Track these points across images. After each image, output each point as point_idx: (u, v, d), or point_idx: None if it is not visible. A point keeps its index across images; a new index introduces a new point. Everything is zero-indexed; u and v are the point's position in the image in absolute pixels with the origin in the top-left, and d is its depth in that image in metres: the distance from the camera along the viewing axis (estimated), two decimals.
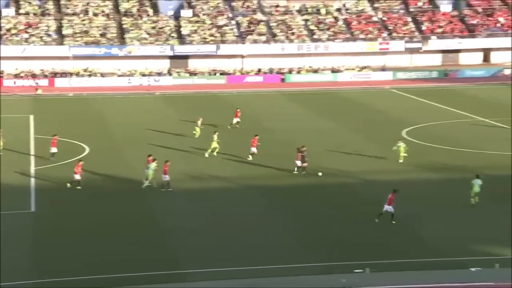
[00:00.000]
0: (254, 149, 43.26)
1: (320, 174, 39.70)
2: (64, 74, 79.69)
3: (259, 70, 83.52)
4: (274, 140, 46.97)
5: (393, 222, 31.33)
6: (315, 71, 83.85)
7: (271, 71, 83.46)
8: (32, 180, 39.18)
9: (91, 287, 25.57)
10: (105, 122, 57.30)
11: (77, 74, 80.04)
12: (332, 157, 43.12)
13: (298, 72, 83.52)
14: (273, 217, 33.16)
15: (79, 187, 37.28)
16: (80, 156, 43.62)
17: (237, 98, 70.04)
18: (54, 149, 43.45)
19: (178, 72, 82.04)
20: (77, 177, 37.44)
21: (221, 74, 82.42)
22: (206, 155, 43.81)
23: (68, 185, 37.40)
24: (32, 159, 43.91)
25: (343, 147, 46.66)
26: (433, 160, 43.26)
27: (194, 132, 49.86)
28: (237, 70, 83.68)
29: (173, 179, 37.49)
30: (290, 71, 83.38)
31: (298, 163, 40.10)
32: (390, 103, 65.96)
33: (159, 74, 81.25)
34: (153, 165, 37.55)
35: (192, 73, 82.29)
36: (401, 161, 42.29)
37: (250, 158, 43.22)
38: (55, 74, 79.42)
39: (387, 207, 31.53)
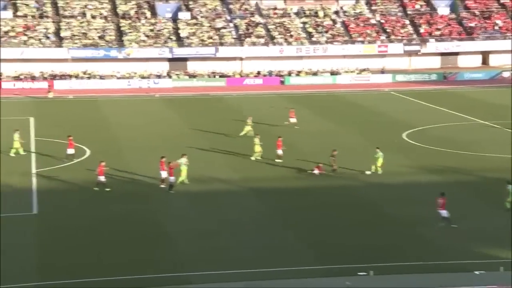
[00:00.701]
0: (280, 151, 43.21)
1: (367, 172, 39.76)
2: (63, 77, 79.64)
3: (259, 73, 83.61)
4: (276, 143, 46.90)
5: (454, 226, 31.24)
6: (314, 74, 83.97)
7: (270, 73, 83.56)
8: (34, 182, 39.11)
9: None
10: (105, 124, 57.26)
11: (77, 77, 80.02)
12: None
13: (298, 75, 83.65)
14: (277, 220, 33.16)
15: (108, 189, 37.03)
16: (82, 158, 43.78)
17: (238, 100, 70.11)
18: (71, 150, 43.57)
19: (177, 74, 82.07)
20: (102, 178, 37.18)
21: (220, 76, 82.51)
22: (253, 158, 43.63)
23: (96, 189, 37.16)
24: (34, 161, 43.86)
25: (344, 149, 46.65)
26: (433, 163, 43.33)
27: (245, 131, 49.60)
28: (236, 73, 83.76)
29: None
30: (289, 74, 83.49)
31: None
32: (390, 106, 66.09)
33: (159, 76, 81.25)
34: (183, 160, 37.67)
35: (192, 76, 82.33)
36: (380, 172, 40.18)
37: (280, 160, 43.07)
38: (54, 77, 79.35)
39: (443, 212, 31.36)
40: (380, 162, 40.33)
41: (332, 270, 27.17)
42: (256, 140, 44.14)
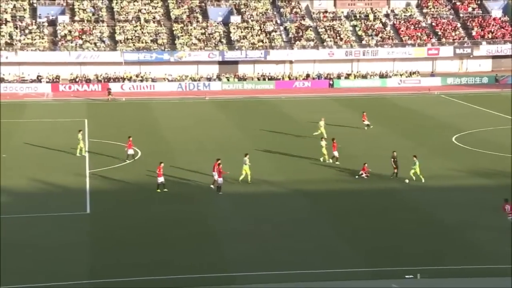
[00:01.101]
0: (336, 153, 43.81)
1: (407, 181, 39.59)
2: (116, 79, 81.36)
3: (308, 76, 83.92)
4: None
5: None
6: (364, 77, 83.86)
7: (319, 76, 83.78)
8: (88, 183, 40.22)
9: None
10: (157, 126, 58.34)
11: (129, 79, 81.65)
12: (381, 161, 43.17)
13: (347, 78, 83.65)
14: (323, 222, 33.42)
15: (158, 190, 37.79)
16: (134, 159, 44.85)
17: (286, 103, 70.50)
18: (130, 151, 44.73)
19: (227, 77, 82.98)
20: (161, 179, 37.92)
21: (269, 79, 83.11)
22: (324, 160, 44.17)
23: (165, 190, 37.86)
24: (87, 162, 45.07)
25: (392, 152, 46.60)
26: (483, 166, 42.99)
27: (318, 132, 50.27)
28: (285, 76, 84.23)
29: (226, 182, 38.20)
30: (338, 77, 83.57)
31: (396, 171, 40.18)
32: (440, 109, 65.60)
33: (209, 79, 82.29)
34: (246, 159, 38.81)
35: (241, 78, 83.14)
36: (414, 179, 39.34)
37: (331, 161, 43.81)
38: (108, 79, 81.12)
39: None
40: (416, 170, 39.49)
41: (378, 272, 27.30)
42: (322, 143, 44.65)
